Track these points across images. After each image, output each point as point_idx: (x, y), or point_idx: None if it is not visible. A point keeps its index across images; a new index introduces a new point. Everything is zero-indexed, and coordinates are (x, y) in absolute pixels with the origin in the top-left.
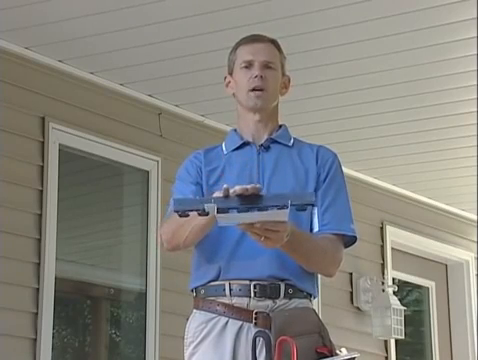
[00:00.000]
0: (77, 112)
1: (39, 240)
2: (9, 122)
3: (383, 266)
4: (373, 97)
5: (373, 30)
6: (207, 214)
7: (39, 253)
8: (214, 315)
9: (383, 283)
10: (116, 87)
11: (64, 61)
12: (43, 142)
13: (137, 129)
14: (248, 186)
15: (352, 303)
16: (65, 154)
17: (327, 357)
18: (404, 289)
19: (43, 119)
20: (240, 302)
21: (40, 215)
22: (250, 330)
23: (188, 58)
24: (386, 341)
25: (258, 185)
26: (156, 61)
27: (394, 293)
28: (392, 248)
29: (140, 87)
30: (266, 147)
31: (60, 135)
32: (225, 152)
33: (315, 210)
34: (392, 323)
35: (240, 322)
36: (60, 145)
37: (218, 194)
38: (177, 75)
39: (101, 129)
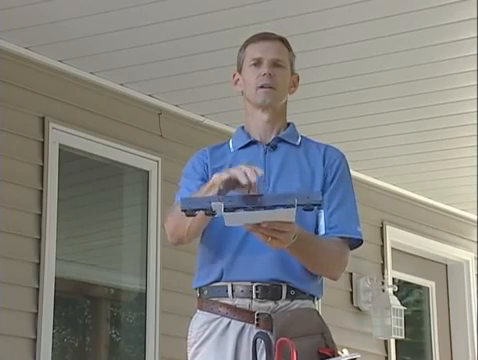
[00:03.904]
0: (77, 112)
1: (39, 240)
2: (9, 122)
3: (383, 266)
4: (373, 97)
5: (373, 30)
6: (214, 213)
7: (39, 253)
8: (216, 316)
9: (383, 283)
10: (116, 87)
11: (64, 61)
12: (43, 142)
13: (137, 129)
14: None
15: (352, 303)
16: (65, 154)
17: (329, 358)
18: (404, 289)
19: (43, 119)
20: (242, 303)
21: (40, 215)
22: (252, 331)
23: (188, 58)
24: (386, 341)
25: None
26: (156, 61)
27: (394, 293)
28: (392, 248)
29: (140, 87)
30: (273, 146)
31: (60, 135)
32: (232, 150)
33: (321, 213)
34: (392, 323)
35: (242, 323)
36: (60, 145)
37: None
38: (177, 75)
39: (101, 129)
